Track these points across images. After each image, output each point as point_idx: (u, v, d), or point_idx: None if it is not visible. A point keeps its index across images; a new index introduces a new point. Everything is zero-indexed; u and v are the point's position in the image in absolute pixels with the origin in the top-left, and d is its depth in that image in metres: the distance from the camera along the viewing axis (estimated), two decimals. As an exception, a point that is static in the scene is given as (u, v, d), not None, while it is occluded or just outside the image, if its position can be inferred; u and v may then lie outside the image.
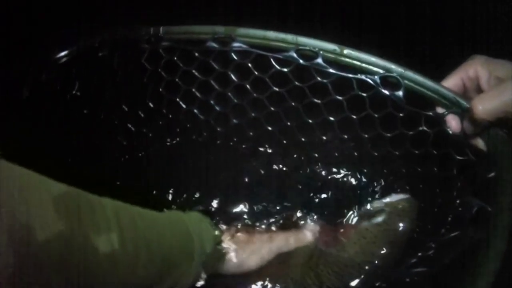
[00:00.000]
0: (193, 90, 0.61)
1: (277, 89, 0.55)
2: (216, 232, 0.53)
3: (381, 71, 0.47)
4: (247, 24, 0.51)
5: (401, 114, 0.51)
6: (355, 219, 0.62)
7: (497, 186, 0.44)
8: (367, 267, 0.56)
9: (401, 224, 0.57)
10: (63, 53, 0.60)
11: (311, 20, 0.67)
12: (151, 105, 0.64)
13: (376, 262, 0.56)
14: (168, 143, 0.71)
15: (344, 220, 0.63)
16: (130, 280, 0.39)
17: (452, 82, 0.47)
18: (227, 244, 0.55)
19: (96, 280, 0.35)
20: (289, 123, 0.61)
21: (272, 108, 0.60)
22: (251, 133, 0.65)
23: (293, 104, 0.57)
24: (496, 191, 0.44)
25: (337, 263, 0.57)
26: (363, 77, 0.48)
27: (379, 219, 0.58)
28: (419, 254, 0.54)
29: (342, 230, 0.61)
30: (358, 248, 0.57)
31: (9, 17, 0.62)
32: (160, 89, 0.62)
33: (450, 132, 0.47)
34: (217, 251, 0.52)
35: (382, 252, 0.56)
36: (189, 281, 0.47)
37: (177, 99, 0.63)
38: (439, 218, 0.54)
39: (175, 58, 0.57)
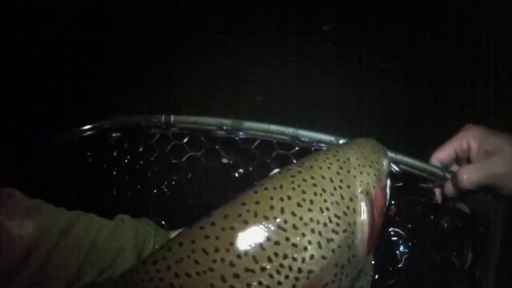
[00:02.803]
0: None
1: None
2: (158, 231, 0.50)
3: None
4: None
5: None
6: None
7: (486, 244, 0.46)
8: None
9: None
10: (78, 130, 0.63)
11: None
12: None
13: None
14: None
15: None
16: (48, 264, 0.39)
17: (446, 152, 0.51)
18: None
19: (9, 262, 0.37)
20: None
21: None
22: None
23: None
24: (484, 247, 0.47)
25: None
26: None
27: None
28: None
29: None
30: None
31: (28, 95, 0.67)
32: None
33: (435, 201, 0.52)
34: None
35: None
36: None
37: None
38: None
39: (183, 142, 0.61)
